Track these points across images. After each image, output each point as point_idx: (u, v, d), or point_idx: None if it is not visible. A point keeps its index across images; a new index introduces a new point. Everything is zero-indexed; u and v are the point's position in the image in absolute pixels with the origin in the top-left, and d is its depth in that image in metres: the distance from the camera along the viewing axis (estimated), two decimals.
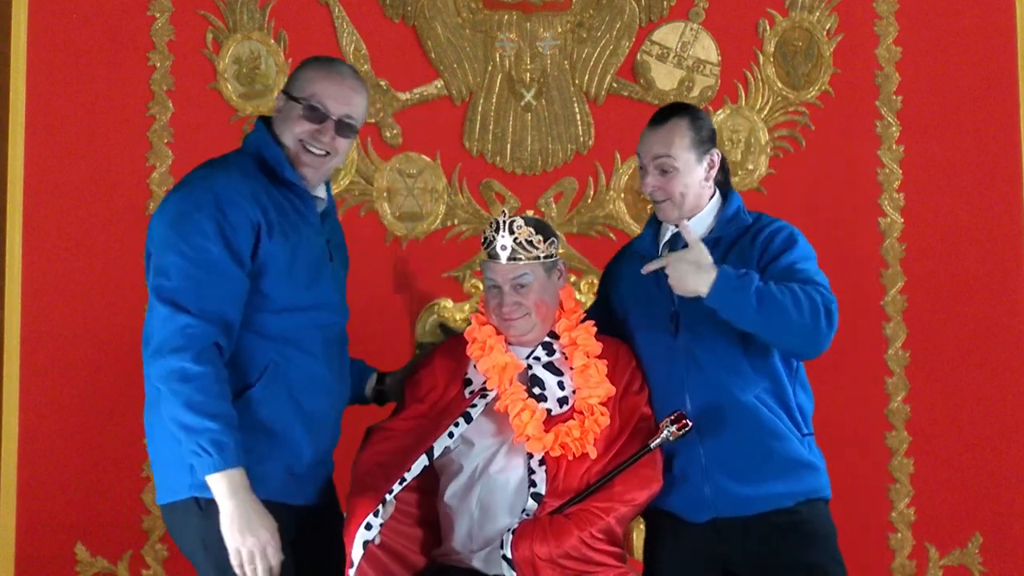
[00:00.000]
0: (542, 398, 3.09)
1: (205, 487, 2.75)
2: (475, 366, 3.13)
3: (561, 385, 3.11)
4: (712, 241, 3.13)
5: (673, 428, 3.04)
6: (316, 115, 2.94)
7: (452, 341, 3.28)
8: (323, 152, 2.95)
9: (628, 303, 3.25)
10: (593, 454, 3.03)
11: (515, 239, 3.07)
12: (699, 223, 3.15)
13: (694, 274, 2.98)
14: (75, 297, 4.40)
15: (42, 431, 4.36)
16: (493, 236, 3.10)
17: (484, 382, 3.11)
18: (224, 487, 2.72)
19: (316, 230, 2.99)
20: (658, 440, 3.05)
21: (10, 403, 4.35)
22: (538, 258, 3.09)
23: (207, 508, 2.78)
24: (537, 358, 3.13)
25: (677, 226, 3.16)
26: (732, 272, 2.98)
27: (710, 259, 3.00)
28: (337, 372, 3.02)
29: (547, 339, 3.16)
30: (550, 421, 3.06)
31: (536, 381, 3.11)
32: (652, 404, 3.16)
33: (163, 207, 2.89)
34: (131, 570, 4.39)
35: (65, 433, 4.36)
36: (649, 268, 3.08)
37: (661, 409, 3.13)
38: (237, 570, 2.75)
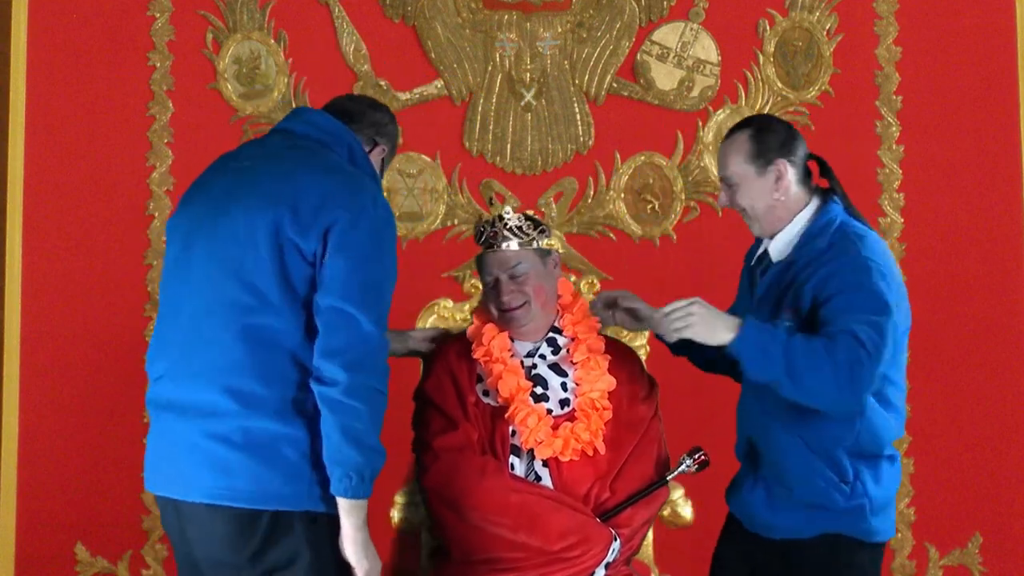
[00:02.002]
0: (544, 398, 3.08)
1: (319, 501, 2.74)
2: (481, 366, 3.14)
3: (564, 386, 3.11)
4: (784, 265, 2.99)
5: (690, 462, 3.06)
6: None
7: (451, 351, 3.23)
8: None
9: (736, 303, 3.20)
10: (602, 450, 3.04)
11: (505, 225, 3.10)
12: (780, 242, 3.01)
13: (717, 320, 2.84)
14: (75, 297, 4.40)
15: (42, 431, 4.36)
16: (484, 227, 3.13)
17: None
18: (363, 514, 2.74)
19: None
20: (674, 473, 3.07)
21: (10, 403, 4.35)
22: (531, 244, 3.11)
23: (319, 520, 2.76)
24: (543, 356, 3.13)
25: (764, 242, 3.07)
26: (758, 322, 2.85)
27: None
28: None
29: (551, 335, 3.16)
30: (553, 422, 3.07)
31: (539, 380, 3.10)
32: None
33: (357, 211, 2.74)
34: (131, 570, 4.39)
35: (65, 433, 4.36)
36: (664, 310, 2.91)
37: (739, 406, 3.10)
38: None
